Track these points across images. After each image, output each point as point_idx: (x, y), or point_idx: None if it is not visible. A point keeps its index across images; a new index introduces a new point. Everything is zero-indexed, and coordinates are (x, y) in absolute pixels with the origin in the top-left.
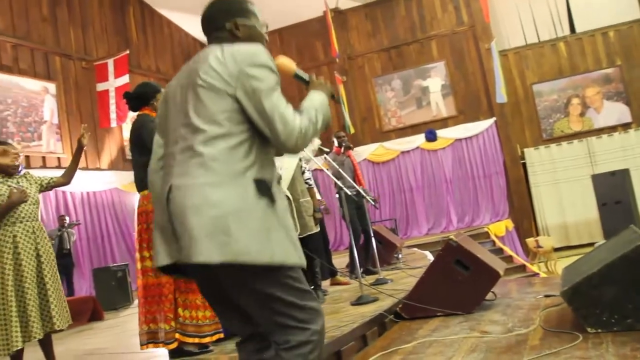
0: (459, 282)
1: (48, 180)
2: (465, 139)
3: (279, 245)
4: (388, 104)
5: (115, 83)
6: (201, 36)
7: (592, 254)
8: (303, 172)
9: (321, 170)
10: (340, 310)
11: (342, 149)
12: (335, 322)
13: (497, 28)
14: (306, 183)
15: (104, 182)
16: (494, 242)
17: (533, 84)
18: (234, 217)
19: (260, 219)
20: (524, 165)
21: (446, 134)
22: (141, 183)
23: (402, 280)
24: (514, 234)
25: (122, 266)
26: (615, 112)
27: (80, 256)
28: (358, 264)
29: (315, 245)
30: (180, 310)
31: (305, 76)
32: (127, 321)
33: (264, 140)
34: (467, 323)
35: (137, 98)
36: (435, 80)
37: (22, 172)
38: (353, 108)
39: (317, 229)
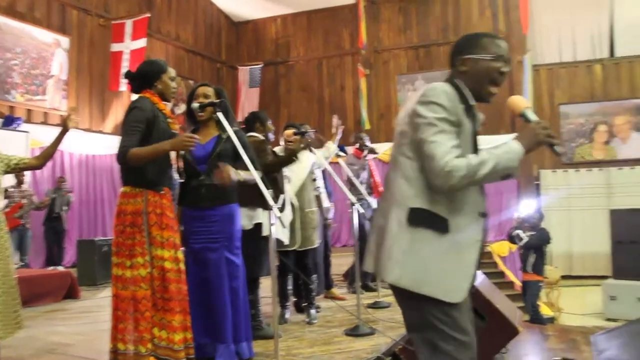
0: None
1: (17, 160)
2: None
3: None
4: None
5: (131, 45)
6: (226, 8)
7: (631, 329)
8: (314, 180)
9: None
10: (332, 341)
11: (365, 152)
12: (325, 359)
13: (533, 41)
14: (317, 191)
15: (106, 146)
16: (496, 264)
17: (561, 104)
18: (394, 241)
19: (407, 247)
20: (538, 186)
21: None
22: (123, 175)
23: None
24: (516, 255)
25: (109, 240)
26: None
27: (70, 223)
28: (357, 278)
29: (315, 260)
30: (156, 330)
31: (532, 118)
32: (103, 305)
33: None
34: None
35: (140, 78)
36: None
37: None
38: (372, 104)
39: (318, 243)
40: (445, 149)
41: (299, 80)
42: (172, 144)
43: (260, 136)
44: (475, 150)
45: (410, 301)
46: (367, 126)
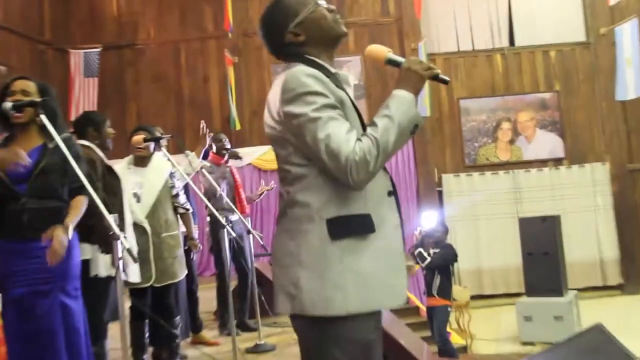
0: None
1: None
2: None
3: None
4: None
5: None
6: None
7: (552, 355)
8: (175, 195)
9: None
10: None
11: (225, 157)
12: None
13: (428, 27)
14: (182, 208)
15: None
16: None
17: (461, 98)
18: (323, 265)
19: (340, 266)
20: (440, 193)
21: None
22: None
23: (291, 347)
24: (420, 273)
25: None
26: (548, 143)
27: None
28: (232, 316)
29: (178, 297)
30: None
31: (400, 60)
32: None
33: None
34: None
35: None
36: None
37: None
38: (242, 98)
39: (182, 275)
40: (342, 138)
41: (150, 68)
42: None
43: (94, 147)
44: (361, 119)
45: (332, 332)
46: (237, 126)
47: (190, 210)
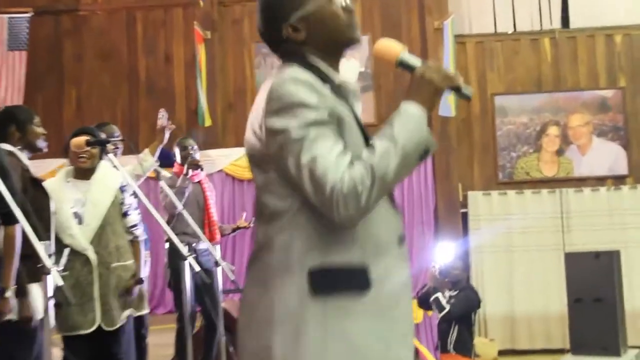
0: None
1: None
2: None
3: None
4: None
5: None
6: None
7: None
8: (125, 214)
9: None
10: None
11: (186, 168)
12: None
13: (457, 1)
14: (129, 233)
15: None
16: None
17: (496, 94)
18: (300, 328)
19: (322, 331)
20: (465, 216)
21: None
22: None
23: None
24: (433, 320)
25: None
26: (608, 156)
27: None
28: None
29: (127, 345)
30: None
31: (415, 62)
32: None
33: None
34: None
35: None
36: (352, 63)
37: None
38: (215, 85)
39: (145, 310)
40: (329, 162)
41: (96, 42)
42: None
43: (17, 153)
44: (367, 140)
45: None
46: (208, 122)
47: (142, 237)
